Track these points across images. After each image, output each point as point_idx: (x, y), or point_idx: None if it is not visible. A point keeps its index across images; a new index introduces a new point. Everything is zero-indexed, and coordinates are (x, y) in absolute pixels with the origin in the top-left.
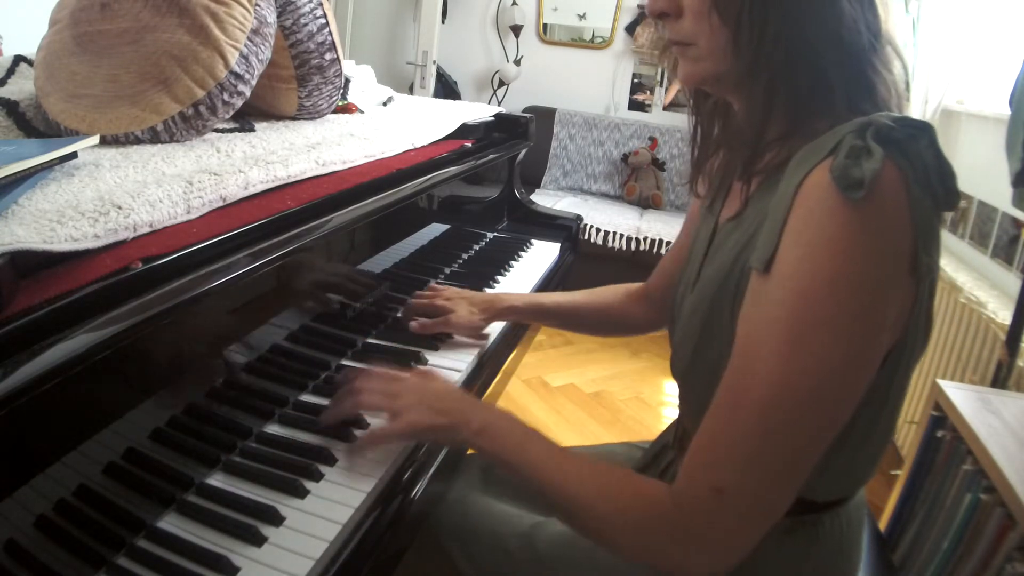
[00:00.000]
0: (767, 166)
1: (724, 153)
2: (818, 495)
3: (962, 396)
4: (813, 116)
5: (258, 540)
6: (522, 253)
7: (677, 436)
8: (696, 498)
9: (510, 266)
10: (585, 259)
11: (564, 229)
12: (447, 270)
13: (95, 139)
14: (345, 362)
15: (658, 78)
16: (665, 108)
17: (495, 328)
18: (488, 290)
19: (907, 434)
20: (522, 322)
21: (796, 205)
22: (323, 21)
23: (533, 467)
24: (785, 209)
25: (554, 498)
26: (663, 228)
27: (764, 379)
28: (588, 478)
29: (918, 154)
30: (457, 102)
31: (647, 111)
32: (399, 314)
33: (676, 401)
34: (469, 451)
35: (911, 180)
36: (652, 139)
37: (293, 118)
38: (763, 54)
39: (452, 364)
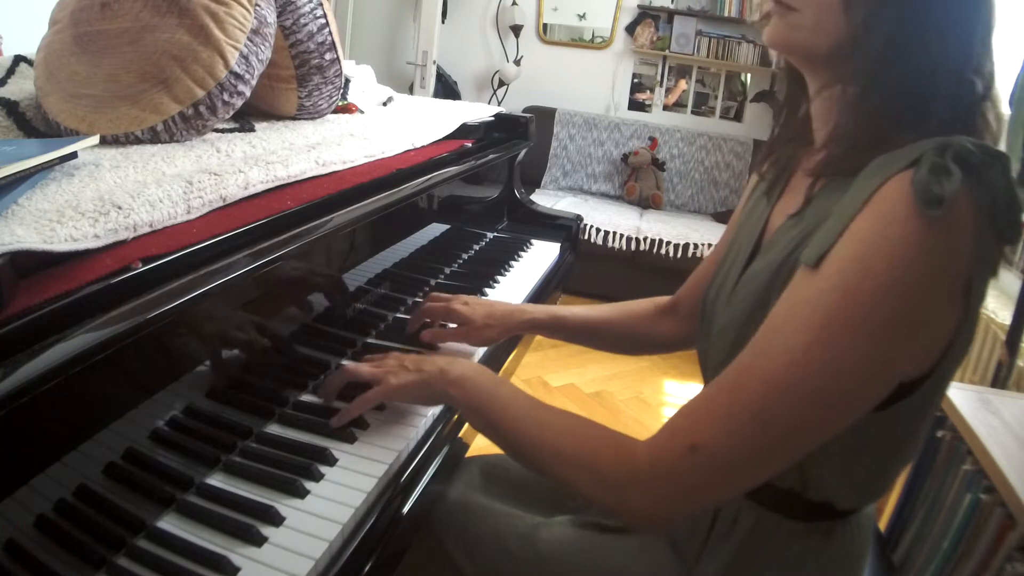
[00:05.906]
0: (841, 169)
1: (793, 144)
2: (840, 502)
3: (962, 396)
4: (901, 131)
5: (258, 540)
6: (522, 253)
7: None
8: (671, 451)
9: (510, 266)
10: (585, 259)
11: (564, 229)
12: (447, 270)
13: (95, 139)
14: (345, 362)
15: (658, 78)
16: (665, 108)
17: None
18: (488, 290)
19: None
20: (541, 335)
21: (866, 209)
22: (323, 21)
23: (510, 416)
24: (853, 211)
25: (530, 445)
26: (663, 228)
27: (779, 359)
28: (566, 428)
29: (990, 183)
30: (457, 102)
31: (647, 111)
32: (400, 313)
33: (676, 401)
34: (468, 453)
35: (980, 208)
36: (652, 139)
37: (293, 118)
38: (869, 40)
39: None
